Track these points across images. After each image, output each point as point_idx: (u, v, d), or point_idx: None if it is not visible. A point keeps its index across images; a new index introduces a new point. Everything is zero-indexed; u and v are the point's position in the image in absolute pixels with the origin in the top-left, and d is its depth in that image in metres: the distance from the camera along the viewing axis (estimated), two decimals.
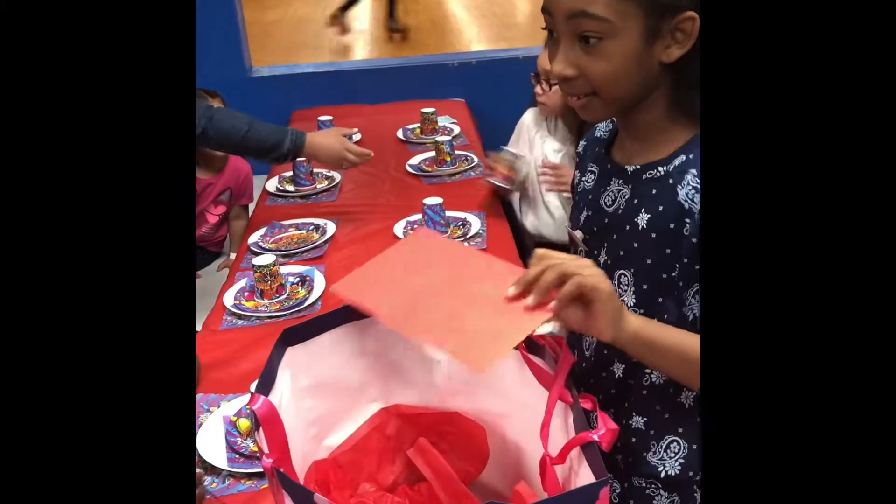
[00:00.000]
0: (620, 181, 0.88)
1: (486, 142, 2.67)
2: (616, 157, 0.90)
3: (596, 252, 0.90)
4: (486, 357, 0.65)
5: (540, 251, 0.74)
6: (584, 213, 0.93)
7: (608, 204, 0.89)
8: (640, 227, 0.84)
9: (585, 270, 0.69)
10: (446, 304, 0.71)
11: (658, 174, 0.83)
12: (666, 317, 0.83)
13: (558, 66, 0.78)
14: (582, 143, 0.99)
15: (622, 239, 0.86)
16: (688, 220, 0.79)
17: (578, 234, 0.93)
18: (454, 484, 0.77)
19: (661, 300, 0.83)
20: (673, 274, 0.82)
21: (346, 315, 0.80)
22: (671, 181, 0.81)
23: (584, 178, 0.95)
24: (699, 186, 0.77)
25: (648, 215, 0.83)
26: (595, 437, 0.60)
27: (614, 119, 0.94)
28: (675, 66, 0.78)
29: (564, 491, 0.62)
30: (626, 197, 0.86)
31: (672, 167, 0.82)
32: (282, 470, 0.59)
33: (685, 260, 0.80)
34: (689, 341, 0.75)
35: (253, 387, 1.16)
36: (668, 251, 0.82)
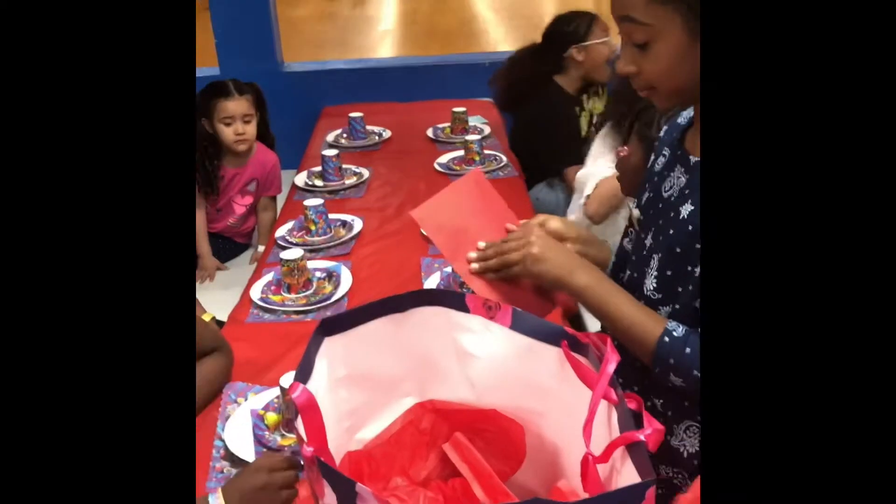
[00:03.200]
0: (682, 170, 0.89)
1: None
2: (686, 145, 0.91)
3: (643, 235, 0.92)
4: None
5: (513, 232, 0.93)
6: (646, 195, 0.94)
7: (666, 190, 0.91)
8: (681, 217, 0.86)
9: (527, 262, 0.89)
10: (477, 241, 0.95)
11: None
12: (677, 306, 0.87)
13: (620, 65, 0.86)
14: (665, 126, 1.00)
15: (665, 225, 0.88)
16: None
17: (636, 212, 0.95)
18: (491, 479, 0.76)
19: (679, 290, 0.84)
20: (695, 269, 0.85)
21: (385, 307, 0.79)
22: None
23: (656, 160, 0.97)
24: None
25: (692, 207, 0.85)
26: (642, 437, 0.58)
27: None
28: None
29: (606, 490, 0.61)
30: (681, 186, 0.88)
31: None
32: (323, 459, 0.58)
33: None
34: (629, 314, 0.86)
35: (282, 380, 1.17)
36: (697, 245, 0.84)
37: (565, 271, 0.88)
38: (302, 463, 1.07)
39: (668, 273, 0.88)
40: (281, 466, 0.93)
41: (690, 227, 0.85)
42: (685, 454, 0.90)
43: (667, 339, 0.83)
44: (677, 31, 0.79)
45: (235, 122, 2.24)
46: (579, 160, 2.36)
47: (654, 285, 0.90)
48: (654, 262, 0.90)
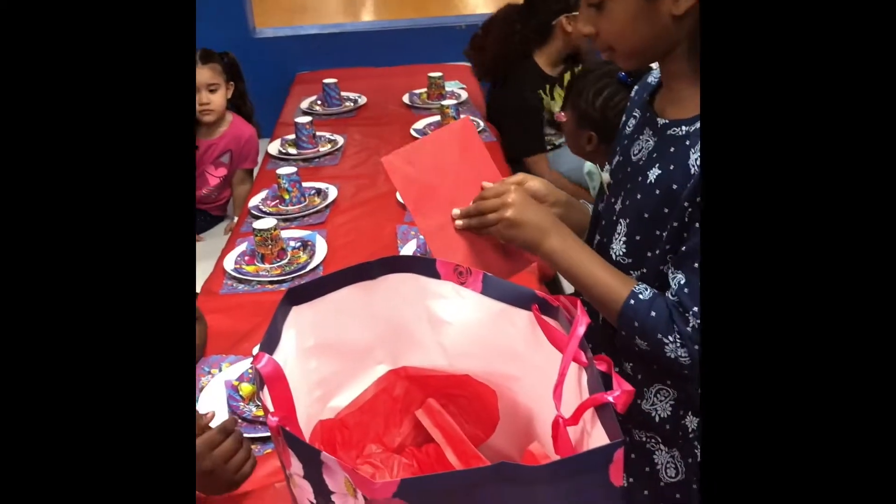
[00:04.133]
0: (651, 132, 0.89)
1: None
2: (655, 107, 0.90)
3: (613, 199, 0.92)
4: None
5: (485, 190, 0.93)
6: (617, 158, 0.94)
7: (635, 153, 0.90)
8: (648, 181, 0.86)
9: (501, 226, 0.89)
10: (447, 198, 0.95)
11: (679, 133, 0.83)
12: (645, 270, 0.87)
13: (581, 25, 0.87)
14: (636, 87, 0.98)
15: (633, 189, 0.88)
16: (688, 185, 0.80)
17: (606, 176, 0.95)
18: (463, 445, 0.76)
19: (649, 255, 0.84)
20: (663, 233, 0.84)
21: (354, 275, 0.78)
22: (688, 143, 0.82)
23: (627, 122, 0.96)
24: None
25: (659, 171, 0.85)
26: (610, 399, 0.58)
27: None
28: (692, 19, 0.79)
29: (577, 452, 0.61)
30: (650, 149, 0.88)
31: (693, 129, 0.82)
32: (288, 428, 0.57)
33: (675, 224, 0.81)
34: (598, 278, 0.86)
35: (255, 350, 1.15)
36: (665, 210, 0.84)
37: (539, 234, 0.88)
38: (237, 421, 1.06)
39: (637, 238, 0.87)
40: (218, 440, 0.89)
41: (658, 192, 0.84)
42: (657, 418, 0.91)
43: (632, 301, 0.83)
44: None
45: (200, 91, 2.20)
46: (542, 148, 2.33)
47: (624, 250, 0.89)
48: (622, 227, 0.89)
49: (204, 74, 2.20)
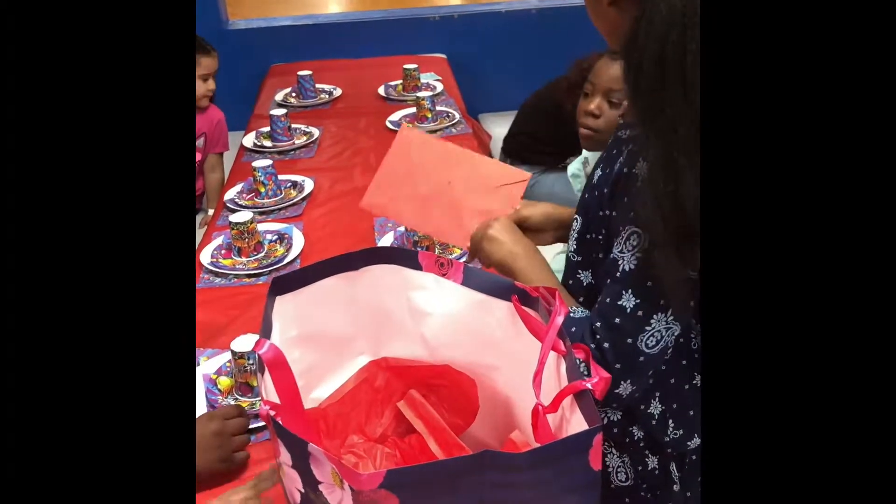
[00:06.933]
0: (614, 135, 0.89)
1: (466, 98, 2.63)
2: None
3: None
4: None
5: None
6: None
7: (603, 154, 0.91)
8: (594, 181, 0.87)
9: (478, 251, 0.96)
10: (443, 204, 1.00)
11: (623, 136, 0.84)
12: (595, 278, 0.87)
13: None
14: None
15: (586, 188, 0.90)
16: (606, 190, 0.82)
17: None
18: (445, 434, 0.77)
19: (594, 256, 0.86)
20: (600, 237, 0.85)
21: (337, 265, 0.79)
22: (622, 147, 0.82)
23: None
24: (621, 162, 0.80)
25: (601, 173, 0.86)
26: (589, 386, 0.60)
27: None
28: (626, 22, 0.77)
29: (556, 439, 0.62)
30: (608, 149, 0.88)
31: (630, 134, 0.82)
32: (279, 419, 0.58)
33: (601, 229, 0.83)
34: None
35: (234, 344, 1.16)
36: (599, 213, 0.84)
37: (511, 256, 0.92)
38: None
39: (588, 237, 0.88)
40: (233, 414, 0.99)
41: (596, 193, 0.84)
42: (605, 420, 0.91)
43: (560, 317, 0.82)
44: None
45: (209, 78, 2.32)
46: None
47: (574, 247, 0.90)
48: (577, 224, 0.90)
49: (216, 62, 2.34)
